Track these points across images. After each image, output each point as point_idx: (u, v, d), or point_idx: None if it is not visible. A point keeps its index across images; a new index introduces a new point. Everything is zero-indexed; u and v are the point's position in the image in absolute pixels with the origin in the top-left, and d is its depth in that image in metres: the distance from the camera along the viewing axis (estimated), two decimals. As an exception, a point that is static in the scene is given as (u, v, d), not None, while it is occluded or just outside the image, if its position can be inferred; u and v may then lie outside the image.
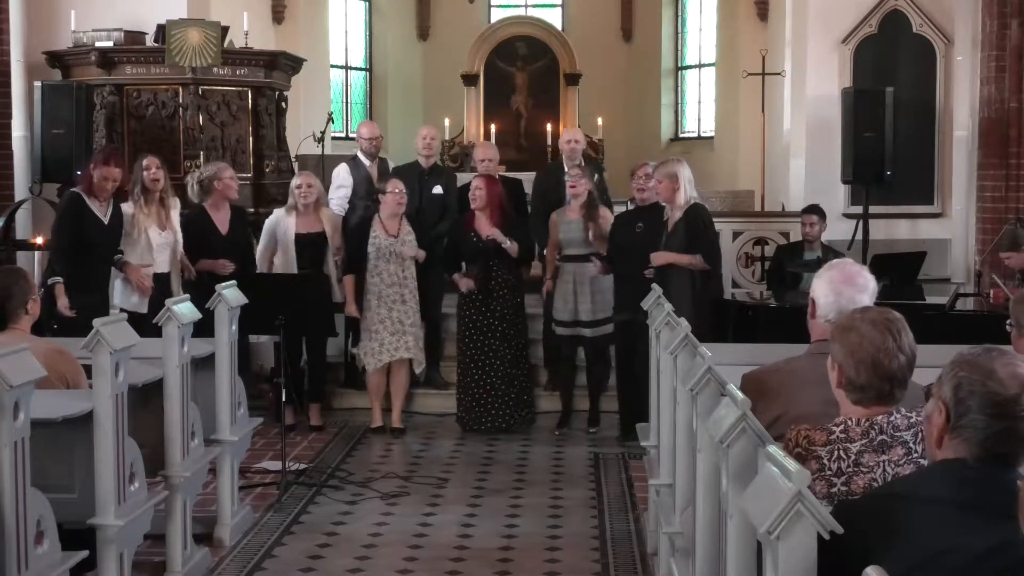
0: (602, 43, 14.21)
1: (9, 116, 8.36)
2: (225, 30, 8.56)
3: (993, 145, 8.80)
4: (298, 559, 5.05)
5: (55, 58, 8.63)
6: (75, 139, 8.12)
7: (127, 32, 8.59)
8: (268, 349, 7.81)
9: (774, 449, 2.16)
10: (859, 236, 8.73)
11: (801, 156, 9.71)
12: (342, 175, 8.01)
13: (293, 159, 9.21)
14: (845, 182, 9.03)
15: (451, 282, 7.48)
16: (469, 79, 13.03)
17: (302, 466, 6.52)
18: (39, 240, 7.57)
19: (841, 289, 3.28)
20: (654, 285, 5.56)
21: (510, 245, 7.23)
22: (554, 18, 14.55)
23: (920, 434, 2.54)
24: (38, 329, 4.54)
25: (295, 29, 12.26)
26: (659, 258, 6.60)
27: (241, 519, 5.39)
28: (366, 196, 7.78)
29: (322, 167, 8.66)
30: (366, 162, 8.05)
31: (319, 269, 7.31)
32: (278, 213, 7.50)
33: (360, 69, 14.34)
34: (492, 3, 14.96)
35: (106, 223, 6.50)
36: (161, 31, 8.37)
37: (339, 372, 8.15)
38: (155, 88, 8.45)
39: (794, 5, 10.39)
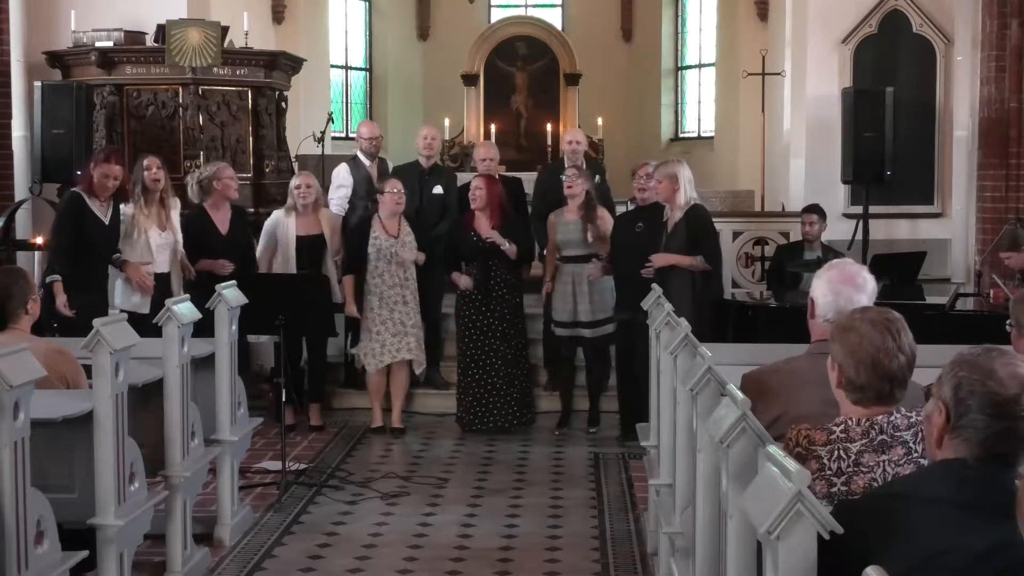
0: (602, 43, 14.21)
1: (9, 116, 8.36)
2: (225, 30, 8.56)
3: (993, 145, 8.80)
4: (298, 559, 5.05)
5: (55, 58, 8.62)
6: (75, 139, 8.12)
7: (127, 32, 8.59)
8: (268, 349, 7.80)
9: (774, 449, 2.16)
10: (859, 236, 8.73)
11: (801, 156, 9.70)
12: (342, 175, 8.01)
13: (293, 159, 9.21)
14: (845, 182, 9.03)
15: (451, 281, 7.48)
16: (469, 79, 13.02)
17: (302, 466, 6.52)
18: (39, 240, 7.56)
19: (840, 289, 3.28)
20: (654, 285, 5.56)
21: (508, 247, 7.23)
22: (554, 18, 14.55)
23: (920, 434, 2.54)
24: (38, 329, 4.54)
25: (295, 29, 12.25)
26: (660, 260, 6.59)
27: (241, 519, 5.39)
28: (366, 196, 7.78)
29: (322, 167, 8.66)
30: (366, 162, 8.05)
31: (318, 270, 7.31)
32: (277, 214, 7.50)
33: (360, 69, 14.34)
34: (492, 3, 14.96)
35: (106, 223, 6.50)
36: (161, 31, 8.37)
37: (339, 372, 8.15)
38: (155, 88, 8.44)
39: (794, 5, 10.39)
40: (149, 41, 8.65)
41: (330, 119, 9.17)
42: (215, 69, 8.37)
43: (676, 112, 14.44)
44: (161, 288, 6.66)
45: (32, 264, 7.76)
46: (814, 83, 9.44)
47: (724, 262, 7.30)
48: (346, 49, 14.01)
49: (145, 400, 4.55)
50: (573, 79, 13.00)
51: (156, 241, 6.80)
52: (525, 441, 7.27)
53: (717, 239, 6.99)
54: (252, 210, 8.16)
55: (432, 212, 7.87)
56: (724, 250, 7.67)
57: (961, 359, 2.18)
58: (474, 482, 6.33)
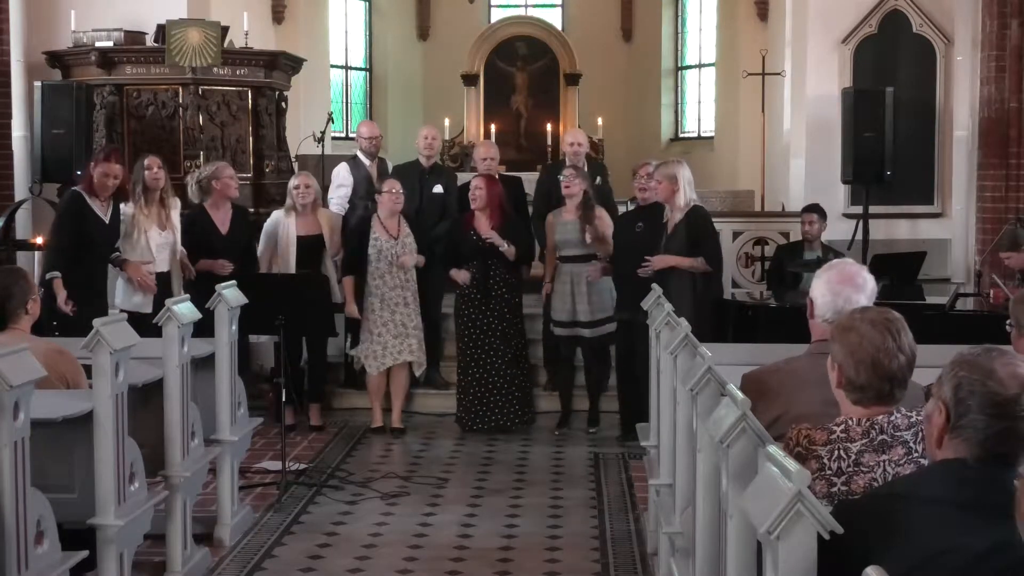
0: (602, 43, 14.20)
1: (9, 116, 8.36)
2: (225, 30, 8.56)
3: (993, 145, 8.80)
4: (298, 559, 5.05)
5: (55, 58, 8.62)
6: (75, 139, 8.12)
7: (127, 32, 8.58)
8: (268, 349, 7.81)
9: (774, 449, 2.16)
10: (859, 236, 8.73)
11: (801, 156, 9.70)
12: (342, 174, 8.02)
13: (293, 159, 9.21)
14: (845, 182, 9.02)
15: (450, 280, 7.49)
16: (469, 79, 13.02)
17: (302, 466, 6.52)
18: (39, 240, 7.56)
19: (838, 289, 3.28)
20: (654, 285, 5.56)
21: (507, 248, 7.23)
22: (554, 18, 14.55)
23: (920, 434, 2.54)
24: (38, 329, 4.54)
25: (295, 29, 12.25)
26: (660, 261, 6.59)
27: (241, 519, 5.39)
28: (366, 196, 7.79)
29: (322, 167, 8.66)
30: (366, 161, 8.06)
31: (317, 270, 7.31)
32: (277, 215, 7.50)
33: (360, 69, 14.34)
34: (492, 3, 14.95)
35: (107, 222, 6.50)
36: (161, 31, 8.37)
37: (339, 372, 8.15)
38: (155, 88, 8.44)
39: (794, 5, 10.39)
40: (149, 41, 8.65)
41: (330, 119, 9.17)
42: (215, 69, 8.37)
43: (676, 112, 14.43)
44: (161, 287, 6.67)
45: (32, 264, 7.75)
46: (814, 83, 9.44)
47: (724, 262, 7.29)
48: (346, 49, 14.01)
49: (145, 400, 4.55)
50: (573, 79, 12.99)
51: (156, 240, 6.81)
52: (525, 441, 7.27)
53: (717, 240, 6.99)
54: (252, 210, 8.16)
55: (432, 212, 7.87)
56: (724, 250, 7.67)
57: (961, 359, 2.18)
58: (474, 482, 6.33)
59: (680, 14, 14.37)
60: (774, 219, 9.51)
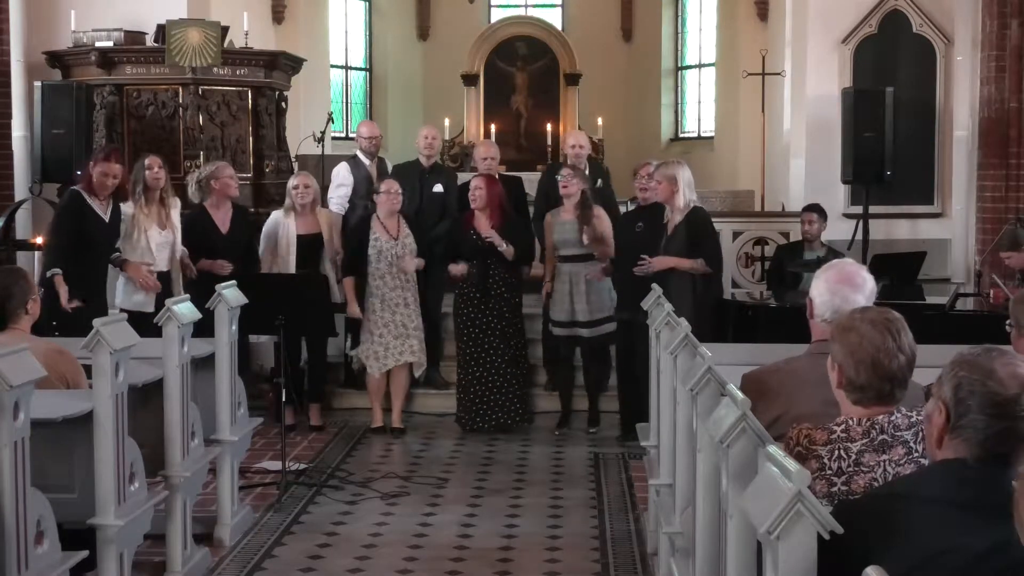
0: (602, 43, 14.20)
1: (9, 116, 8.36)
2: (225, 30, 8.56)
3: (993, 145, 8.80)
4: (298, 559, 5.05)
5: (55, 58, 8.62)
6: (75, 139, 8.12)
7: (127, 32, 8.58)
8: (268, 349, 7.81)
9: (774, 449, 2.16)
10: (859, 236, 8.73)
11: (801, 156, 9.70)
12: (342, 174, 8.02)
13: (293, 159, 9.21)
14: (845, 182, 9.02)
15: (450, 280, 7.49)
16: (469, 79, 13.02)
17: (302, 466, 6.52)
18: (39, 240, 7.56)
19: (837, 289, 3.29)
20: (654, 285, 5.56)
21: (506, 248, 7.23)
22: (554, 18, 14.55)
23: (921, 434, 2.54)
24: (38, 329, 4.54)
25: (295, 29, 12.25)
26: (660, 263, 6.58)
27: (241, 519, 5.39)
28: (366, 195, 7.79)
29: (322, 167, 8.66)
30: (366, 161, 8.06)
31: (316, 269, 7.31)
32: (276, 215, 7.50)
33: (360, 69, 14.33)
34: (492, 3, 14.95)
35: (106, 220, 6.49)
36: (161, 31, 8.37)
37: (339, 372, 8.15)
38: (155, 88, 8.44)
39: (794, 5, 10.39)
40: (149, 41, 8.65)
41: (330, 119, 9.17)
42: (215, 69, 8.37)
43: (676, 112, 14.43)
44: (161, 287, 6.66)
45: (32, 264, 7.75)
46: (814, 83, 9.44)
47: (724, 263, 7.29)
48: (346, 49, 14.01)
49: (145, 400, 4.55)
50: (573, 79, 12.99)
51: (156, 240, 6.80)
52: (525, 441, 7.27)
53: (717, 241, 6.98)
54: (252, 210, 8.16)
55: (432, 211, 7.87)
56: (724, 250, 7.67)
57: (961, 359, 2.18)
58: (474, 482, 6.33)
59: (680, 14, 14.37)
60: (774, 219, 9.51)
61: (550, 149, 12.05)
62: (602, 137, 12.44)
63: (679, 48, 14.43)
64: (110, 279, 6.72)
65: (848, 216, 9.11)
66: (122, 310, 5.68)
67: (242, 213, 7.45)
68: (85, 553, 3.69)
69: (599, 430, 7.43)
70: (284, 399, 6.37)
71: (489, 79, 13.02)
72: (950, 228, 9.28)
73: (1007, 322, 3.70)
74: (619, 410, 7.27)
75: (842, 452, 2.58)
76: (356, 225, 7.58)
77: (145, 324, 4.77)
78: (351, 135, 12.10)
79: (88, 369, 4.05)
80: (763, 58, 10.98)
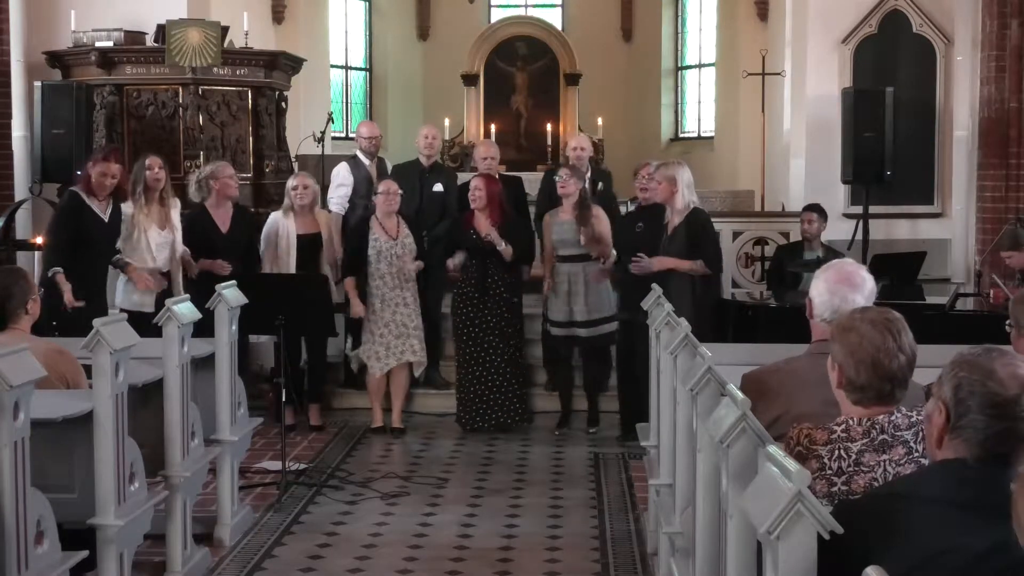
0: (602, 43, 14.20)
1: (9, 116, 8.36)
2: (225, 30, 8.56)
3: (993, 145, 8.80)
4: (298, 559, 5.05)
5: (55, 58, 8.62)
6: (75, 139, 8.12)
7: (127, 32, 8.58)
8: (268, 349, 7.81)
9: (774, 449, 2.16)
10: (859, 236, 8.73)
11: (801, 156, 9.71)
12: (342, 174, 8.02)
13: (293, 159, 9.21)
14: (845, 182, 9.03)
15: (449, 279, 7.49)
16: (469, 79, 13.02)
17: (302, 466, 6.52)
18: (39, 240, 7.56)
19: (836, 288, 3.29)
20: (654, 285, 5.56)
21: (504, 248, 7.24)
22: (554, 18, 14.55)
23: (921, 433, 2.54)
24: (38, 329, 4.54)
25: (295, 29, 12.25)
26: (659, 263, 6.57)
27: (241, 519, 5.39)
28: (366, 195, 7.78)
29: (322, 167, 8.66)
30: (365, 161, 8.06)
31: (316, 269, 7.31)
32: (275, 216, 7.50)
33: (360, 69, 14.33)
34: (492, 3, 14.95)
35: (106, 220, 6.47)
36: (161, 31, 8.37)
37: (339, 372, 8.15)
38: (155, 88, 8.44)
39: (794, 5, 10.39)
40: (149, 41, 8.65)
41: (330, 119, 9.17)
42: (215, 69, 8.37)
43: (676, 112, 14.43)
44: (161, 291, 6.65)
45: (32, 264, 7.75)
46: (814, 83, 9.44)
47: (724, 263, 7.29)
48: (346, 49, 14.01)
49: (145, 400, 4.55)
50: (573, 79, 12.99)
51: (156, 240, 6.80)
52: (525, 441, 7.27)
53: (717, 244, 6.97)
54: (252, 210, 8.16)
55: (432, 211, 7.87)
56: (724, 250, 7.67)
57: (961, 359, 2.18)
58: (474, 482, 6.33)
59: (680, 14, 14.37)
60: (774, 219, 9.51)
61: (550, 149, 12.06)
62: (602, 137, 12.44)
63: (679, 48, 14.43)
64: (110, 279, 6.72)
65: (848, 216, 9.11)
66: (122, 310, 5.68)
67: (243, 213, 7.45)
68: (85, 553, 3.69)
69: (599, 430, 7.43)
70: (284, 399, 6.37)
71: (489, 79, 13.02)
72: (950, 228, 9.28)
73: (1007, 322, 3.70)
74: (619, 410, 7.27)
75: (842, 452, 2.58)
76: (355, 226, 7.58)
77: (144, 324, 4.76)
78: (351, 135, 12.10)
79: (88, 369, 4.05)
80: (763, 58, 10.98)
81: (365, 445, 7.18)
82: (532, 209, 8.14)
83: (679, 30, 14.41)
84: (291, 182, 7.51)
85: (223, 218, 7.20)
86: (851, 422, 2.61)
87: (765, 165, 10.95)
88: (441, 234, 7.70)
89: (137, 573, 4.47)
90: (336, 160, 8.60)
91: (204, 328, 5.07)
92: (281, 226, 7.39)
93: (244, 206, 7.64)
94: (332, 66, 13.53)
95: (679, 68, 14.43)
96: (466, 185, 7.69)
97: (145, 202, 6.79)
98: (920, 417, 2.54)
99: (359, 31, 14.31)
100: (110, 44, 8.46)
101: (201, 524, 5.16)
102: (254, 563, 5.00)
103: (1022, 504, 1.76)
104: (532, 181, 8.74)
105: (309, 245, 7.40)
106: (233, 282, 5.55)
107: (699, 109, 14.18)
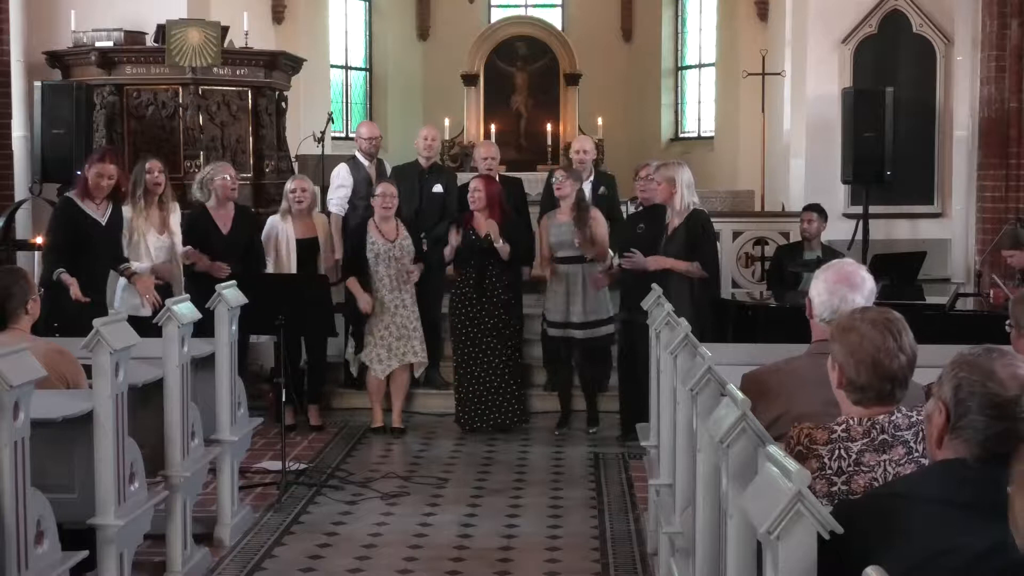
0: (602, 43, 14.21)
1: (9, 116, 8.35)
2: (225, 30, 8.55)
3: (993, 145, 8.80)
4: (298, 559, 5.05)
5: (55, 58, 8.62)
6: (75, 139, 8.11)
7: (127, 32, 8.58)
8: (268, 349, 7.81)
9: (774, 449, 2.16)
10: (859, 236, 8.73)
11: (801, 156, 9.71)
12: (342, 175, 8.01)
13: (293, 159, 9.21)
14: (845, 182, 9.03)
15: (449, 280, 7.50)
16: (469, 79, 13.02)
17: (302, 466, 6.52)
18: (39, 240, 7.55)
19: (835, 289, 3.29)
20: (654, 285, 5.56)
21: (501, 246, 7.24)
22: (554, 18, 14.55)
23: (921, 433, 2.54)
24: (38, 329, 4.54)
25: (295, 29, 12.25)
26: (655, 262, 6.57)
27: (241, 519, 5.39)
28: (366, 197, 7.78)
29: (322, 167, 8.66)
30: (365, 162, 8.05)
31: (314, 273, 7.32)
32: (273, 220, 7.49)
33: (360, 69, 14.34)
34: (492, 3, 14.95)
35: (103, 223, 6.42)
36: (161, 31, 8.37)
37: (339, 372, 8.15)
38: (155, 88, 8.44)
39: (794, 5, 10.40)
40: (149, 41, 8.64)
41: (330, 119, 9.17)
42: (215, 69, 8.36)
43: (676, 112, 14.44)
44: (161, 291, 6.63)
45: (32, 264, 7.75)
46: (814, 83, 9.44)
47: (724, 263, 7.29)
48: (346, 49, 14.01)
49: (145, 400, 4.55)
50: (573, 79, 13.00)
51: (154, 244, 6.78)
52: (525, 441, 7.27)
53: (715, 247, 6.95)
54: (252, 210, 8.16)
55: (432, 212, 7.87)
56: (724, 250, 7.68)
57: (961, 359, 2.18)
58: (474, 482, 6.33)
59: (680, 14, 14.37)
60: (774, 219, 9.51)
61: (550, 149, 12.06)
62: (602, 137, 12.44)
63: (679, 48, 14.43)
64: (109, 281, 6.70)
65: (848, 216, 9.11)
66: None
67: (245, 213, 7.44)
68: (85, 553, 3.69)
69: (598, 430, 7.43)
70: (284, 399, 6.37)
71: (489, 79, 13.02)
72: (950, 228, 9.28)
73: (1007, 322, 3.70)
74: (619, 410, 7.27)
75: (842, 452, 2.58)
76: (352, 230, 7.58)
77: (141, 328, 4.74)
78: (351, 135, 12.09)
79: (88, 369, 4.05)
80: (763, 58, 10.98)
81: (365, 445, 7.18)
82: (536, 209, 8.12)
83: (679, 30, 14.41)
84: (289, 185, 7.50)
85: (224, 219, 7.18)
86: (851, 422, 2.61)
87: (765, 165, 10.95)
88: (441, 235, 7.70)
89: (137, 573, 4.47)
90: (336, 160, 8.60)
91: (204, 328, 5.07)
92: (280, 230, 7.39)
93: (246, 207, 7.64)
94: (332, 66, 13.54)
95: (679, 68, 14.43)
96: (466, 186, 7.69)
97: (144, 206, 6.78)
98: (920, 417, 2.54)
99: (359, 31, 14.31)
100: (110, 44, 8.46)
101: (201, 524, 5.16)
102: (254, 563, 5.00)
103: (1019, 505, 1.76)
104: (532, 181, 8.74)
105: (307, 249, 7.40)
106: (233, 282, 5.55)
107: (699, 109, 14.18)
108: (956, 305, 6.76)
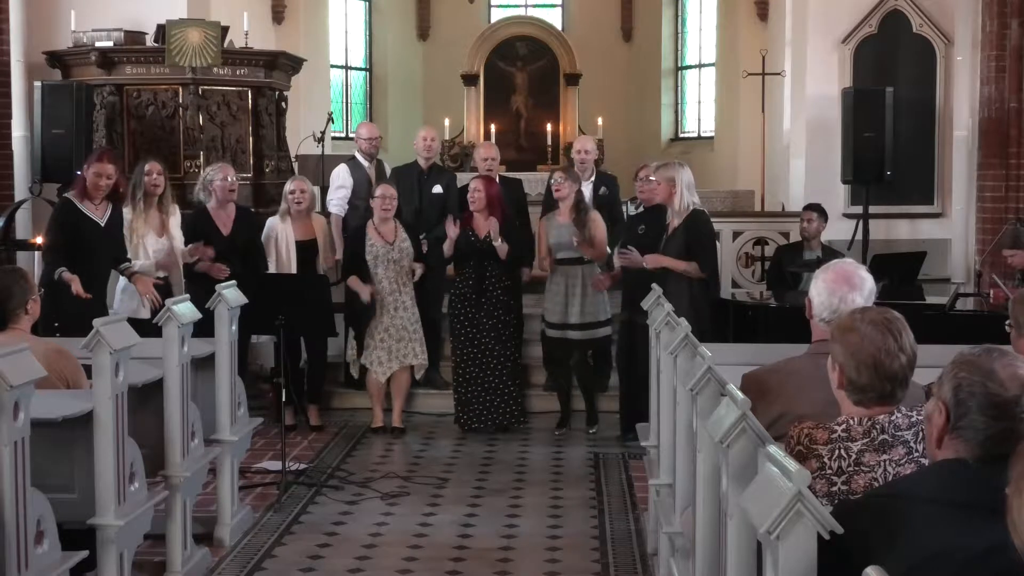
0: (602, 43, 14.21)
1: (9, 116, 8.35)
2: (225, 30, 8.55)
3: (993, 145, 8.80)
4: (298, 559, 5.05)
5: (55, 58, 8.62)
6: (75, 139, 8.11)
7: (127, 32, 8.58)
8: (268, 349, 7.81)
9: (774, 449, 2.16)
10: (859, 236, 8.73)
11: (801, 156, 9.71)
12: (342, 175, 8.02)
13: (293, 159, 9.21)
14: (845, 182, 9.03)
15: (448, 279, 7.51)
16: (469, 79, 13.03)
17: (302, 466, 6.52)
18: (39, 240, 7.55)
19: (835, 289, 3.28)
20: (654, 285, 5.56)
21: (500, 245, 7.24)
22: (554, 18, 14.56)
23: (921, 434, 2.54)
24: (38, 329, 4.54)
25: (295, 29, 12.26)
26: (652, 260, 6.57)
27: (241, 519, 5.39)
28: (366, 197, 7.78)
29: (322, 167, 8.66)
30: (364, 163, 8.05)
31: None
32: (272, 221, 7.49)
33: (360, 69, 14.34)
34: (492, 3, 14.96)
35: (102, 224, 6.42)
36: (161, 31, 8.36)
37: (339, 372, 8.14)
38: (155, 88, 8.44)
39: (794, 5, 10.40)
40: (149, 41, 8.64)
41: (330, 119, 9.17)
42: (215, 69, 8.36)
43: (676, 112, 14.44)
44: (161, 291, 6.63)
45: (32, 264, 7.75)
46: (814, 83, 9.44)
47: (724, 263, 7.28)
48: (346, 49, 14.01)
49: (145, 400, 4.55)
50: (573, 79, 13.00)
51: (153, 247, 6.78)
52: (525, 441, 7.27)
53: (713, 248, 6.93)
54: (252, 210, 8.15)
55: (432, 213, 7.87)
56: (724, 250, 7.67)
57: (961, 359, 2.18)
58: (474, 482, 6.33)
59: (680, 14, 14.38)
60: (774, 219, 9.52)
61: (550, 149, 12.06)
62: (602, 137, 12.44)
63: (679, 48, 14.44)
64: (109, 283, 6.70)
65: (848, 216, 9.11)
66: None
67: (246, 214, 7.43)
68: (85, 553, 3.69)
69: (598, 430, 7.43)
70: (284, 399, 6.37)
71: (489, 79, 13.03)
72: (950, 228, 9.28)
73: (1007, 322, 3.69)
74: (619, 410, 7.27)
75: (842, 451, 2.58)
76: (351, 233, 7.59)
77: (140, 331, 4.74)
78: (351, 135, 12.09)
79: (88, 369, 4.05)
80: (763, 58, 10.98)
81: (365, 445, 7.18)
82: (537, 210, 8.12)
83: (679, 30, 14.41)
84: (288, 186, 7.50)
85: (225, 220, 7.18)
86: (851, 422, 2.61)
87: (765, 165, 10.95)
88: (441, 235, 7.69)
89: (137, 573, 4.47)
90: (336, 160, 8.60)
91: (204, 328, 5.07)
92: (279, 231, 7.39)
93: (247, 208, 7.63)
94: (332, 66, 13.54)
95: (679, 68, 14.44)
96: (466, 187, 7.69)
97: (143, 208, 6.77)
98: (920, 417, 2.54)
99: (359, 31, 14.31)
100: (110, 44, 8.46)
101: (201, 524, 5.16)
102: (254, 563, 5.00)
103: (1017, 506, 1.76)
104: (532, 182, 8.74)
105: (306, 251, 7.40)
106: (233, 282, 5.55)
107: (699, 109, 14.19)
108: (956, 305, 6.76)
